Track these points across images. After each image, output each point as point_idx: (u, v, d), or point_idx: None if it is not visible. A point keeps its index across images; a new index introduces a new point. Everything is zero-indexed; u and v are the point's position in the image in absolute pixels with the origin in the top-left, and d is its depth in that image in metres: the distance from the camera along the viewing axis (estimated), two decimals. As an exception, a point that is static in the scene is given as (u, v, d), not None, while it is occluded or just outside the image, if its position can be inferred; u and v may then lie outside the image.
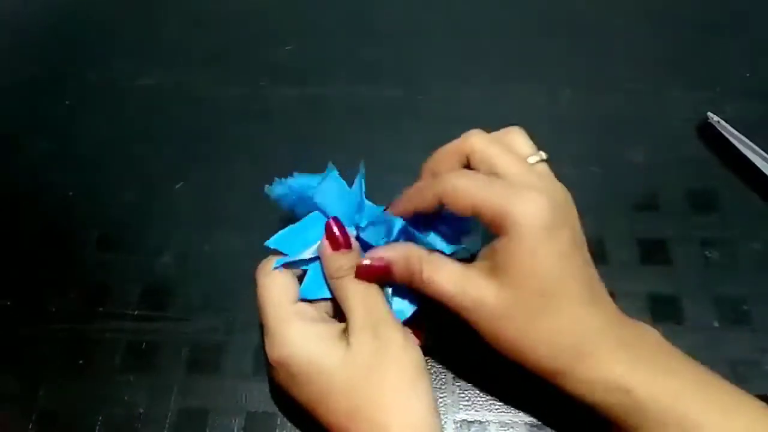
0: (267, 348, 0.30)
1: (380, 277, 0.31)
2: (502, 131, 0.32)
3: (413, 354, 0.30)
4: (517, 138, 0.32)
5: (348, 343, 0.29)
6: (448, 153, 0.32)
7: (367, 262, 0.31)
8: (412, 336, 0.32)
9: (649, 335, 0.30)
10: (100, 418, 0.35)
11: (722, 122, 0.43)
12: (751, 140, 0.42)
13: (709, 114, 0.43)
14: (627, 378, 0.27)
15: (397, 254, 0.31)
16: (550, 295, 0.28)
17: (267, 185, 0.34)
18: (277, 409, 0.35)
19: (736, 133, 0.42)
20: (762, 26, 0.50)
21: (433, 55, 0.50)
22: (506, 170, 0.29)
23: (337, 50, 0.51)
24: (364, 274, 0.31)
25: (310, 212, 0.34)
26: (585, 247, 0.30)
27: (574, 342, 0.28)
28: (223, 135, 0.47)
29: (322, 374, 0.29)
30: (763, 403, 0.27)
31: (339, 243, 0.31)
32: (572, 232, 0.29)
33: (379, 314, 0.30)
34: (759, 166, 0.41)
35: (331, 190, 0.33)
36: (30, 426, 0.35)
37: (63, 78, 0.51)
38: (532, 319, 0.28)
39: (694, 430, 0.26)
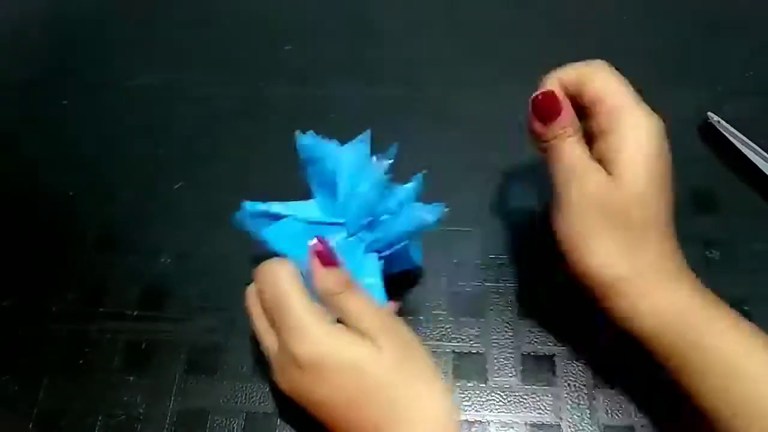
0: (293, 350, 0.29)
1: (547, 114, 0.32)
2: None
3: (429, 353, 0.30)
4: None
5: (376, 344, 0.29)
6: (574, 68, 0.34)
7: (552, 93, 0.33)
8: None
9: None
10: (100, 418, 0.35)
11: (723, 122, 0.43)
12: (751, 140, 0.42)
13: (710, 114, 0.43)
14: (687, 310, 0.29)
15: (568, 108, 0.32)
16: (647, 212, 0.29)
17: (299, 131, 0.35)
18: (277, 409, 0.35)
19: (736, 133, 0.42)
20: (762, 26, 0.50)
21: (433, 55, 0.50)
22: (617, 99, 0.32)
23: (337, 50, 0.51)
24: (543, 100, 0.33)
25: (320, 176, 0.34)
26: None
27: (649, 265, 0.29)
28: (223, 135, 0.46)
29: (355, 372, 0.28)
30: None
31: (329, 260, 0.30)
32: (670, 161, 0.31)
33: (389, 318, 0.31)
34: (759, 166, 0.41)
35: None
36: (30, 426, 0.35)
37: (61, 77, 0.51)
38: (624, 224, 0.29)
39: (737, 371, 0.27)
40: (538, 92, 0.33)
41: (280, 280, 0.30)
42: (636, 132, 0.30)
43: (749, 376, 0.27)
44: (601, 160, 0.30)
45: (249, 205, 0.34)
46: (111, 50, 0.52)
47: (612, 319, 0.30)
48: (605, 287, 0.30)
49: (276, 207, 0.34)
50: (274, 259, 0.31)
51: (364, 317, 0.30)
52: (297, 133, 0.34)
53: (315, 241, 0.31)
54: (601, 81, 0.32)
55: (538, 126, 0.32)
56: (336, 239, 0.32)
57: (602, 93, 0.31)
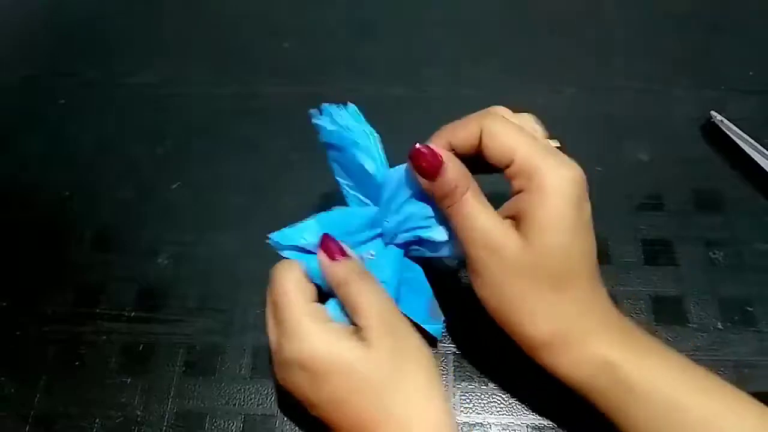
0: (285, 347, 0.29)
1: (427, 170, 0.29)
2: (515, 115, 0.32)
3: (429, 354, 0.30)
4: (528, 122, 0.32)
5: (367, 343, 0.29)
6: (466, 127, 0.31)
7: (428, 147, 0.30)
8: None
9: (636, 326, 0.30)
10: (97, 420, 0.35)
11: (726, 121, 0.43)
12: (755, 139, 0.41)
13: (713, 113, 0.43)
14: (617, 356, 0.28)
15: (455, 169, 0.29)
16: (568, 267, 0.28)
17: (315, 109, 0.34)
18: (276, 411, 0.35)
19: (740, 132, 0.42)
20: (765, 24, 0.50)
21: (434, 54, 0.50)
22: (525, 149, 0.29)
23: (336, 48, 0.51)
24: (417, 156, 0.30)
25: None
26: (593, 230, 0.30)
27: (568, 317, 0.28)
28: (221, 134, 0.46)
29: (344, 372, 0.28)
30: (736, 389, 0.28)
31: (335, 252, 0.31)
32: (589, 212, 0.29)
33: (392, 315, 0.30)
34: (763, 165, 0.41)
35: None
36: (26, 428, 0.35)
37: (58, 77, 0.50)
38: (545, 285, 0.28)
39: (678, 410, 0.27)
40: (413, 146, 0.30)
41: (283, 280, 0.31)
42: (550, 192, 0.27)
43: (690, 416, 0.27)
44: (515, 216, 0.29)
45: (278, 239, 0.33)
46: (109, 49, 0.52)
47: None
48: (534, 347, 0.29)
49: (308, 235, 0.32)
50: (284, 261, 0.32)
51: (369, 312, 0.29)
52: (312, 112, 0.34)
53: (321, 237, 0.31)
54: (504, 137, 0.29)
55: (425, 184, 0.30)
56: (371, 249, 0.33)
57: (508, 152, 0.28)
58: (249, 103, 0.48)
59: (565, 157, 0.29)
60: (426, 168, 0.29)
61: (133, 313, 0.38)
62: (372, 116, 0.46)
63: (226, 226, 0.42)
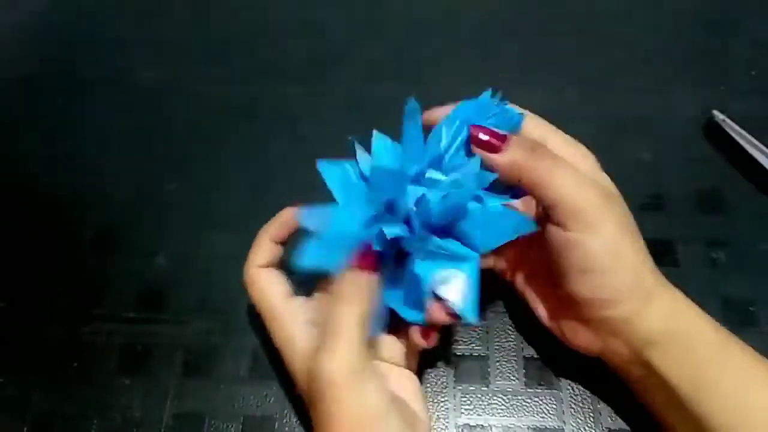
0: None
1: (489, 146, 0.31)
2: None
3: (381, 387, 0.28)
4: (555, 139, 0.34)
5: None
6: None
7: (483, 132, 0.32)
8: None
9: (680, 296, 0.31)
10: (95, 421, 0.35)
11: (728, 121, 0.42)
12: (757, 139, 0.41)
13: (715, 113, 0.43)
14: (659, 334, 0.29)
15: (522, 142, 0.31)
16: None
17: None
18: (275, 412, 0.35)
19: (742, 131, 0.42)
20: (767, 24, 0.49)
21: (436, 54, 0.50)
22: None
23: (337, 48, 0.50)
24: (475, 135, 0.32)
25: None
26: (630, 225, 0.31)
27: (626, 295, 0.29)
28: (221, 134, 0.46)
29: (303, 373, 0.29)
30: None
31: (367, 265, 0.29)
32: (621, 217, 0.31)
33: (344, 338, 0.28)
34: (765, 165, 0.40)
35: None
36: (25, 429, 0.35)
37: (57, 75, 0.50)
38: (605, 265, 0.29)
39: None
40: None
41: (254, 293, 0.33)
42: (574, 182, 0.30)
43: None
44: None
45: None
46: (109, 49, 0.52)
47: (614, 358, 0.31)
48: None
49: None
50: (244, 270, 0.33)
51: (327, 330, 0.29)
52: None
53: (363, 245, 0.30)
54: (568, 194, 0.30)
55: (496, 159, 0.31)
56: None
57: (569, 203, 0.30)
58: (249, 103, 0.48)
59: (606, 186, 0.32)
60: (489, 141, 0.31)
61: (131, 315, 0.38)
62: (372, 116, 0.46)
63: (226, 226, 0.42)
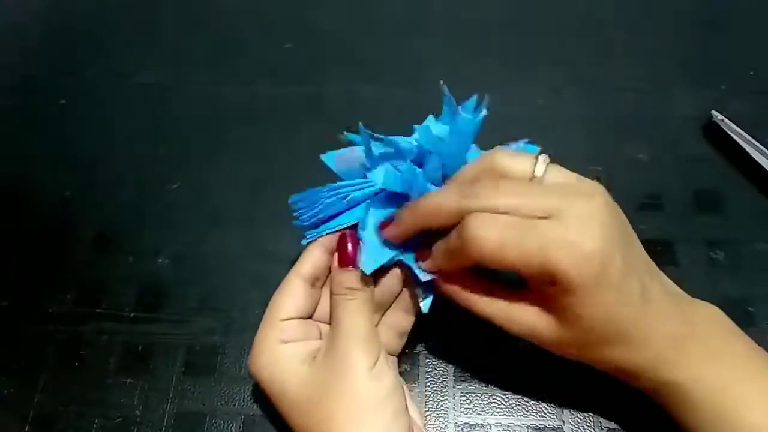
0: (251, 354, 0.31)
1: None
2: (483, 161, 0.30)
3: (375, 385, 0.29)
4: (504, 162, 0.29)
5: (311, 366, 0.30)
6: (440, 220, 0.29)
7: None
8: (393, 363, 0.32)
9: (704, 316, 0.29)
10: (96, 420, 0.35)
11: (727, 121, 0.42)
12: (756, 139, 0.41)
13: (714, 113, 0.43)
14: (685, 379, 0.27)
15: (450, 290, 0.31)
16: (607, 331, 0.27)
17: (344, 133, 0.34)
18: (275, 412, 0.35)
19: (740, 131, 0.42)
20: (766, 24, 0.50)
21: (434, 55, 0.50)
22: (524, 203, 0.27)
23: (336, 49, 0.51)
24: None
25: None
26: (634, 246, 0.29)
27: (639, 360, 0.28)
28: (221, 135, 0.46)
29: (280, 393, 0.30)
30: None
31: (348, 260, 0.31)
32: (620, 248, 0.27)
33: (354, 338, 0.29)
34: (764, 165, 0.41)
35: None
36: (26, 428, 0.35)
37: (60, 77, 0.50)
38: (598, 348, 0.28)
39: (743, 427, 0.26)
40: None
41: (280, 287, 0.32)
42: (570, 282, 0.26)
43: None
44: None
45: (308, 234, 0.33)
46: (110, 50, 0.52)
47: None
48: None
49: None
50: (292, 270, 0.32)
51: (333, 330, 0.30)
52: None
53: (343, 234, 0.31)
54: (503, 256, 0.26)
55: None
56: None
57: (517, 266, 0.27)
58: (249, 104, 0.48)
59: (573, 221, 0.26)
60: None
61: (133, 313, 0.38)
62: (372, 117, 0.46)
63: (227, 226, 0.42)
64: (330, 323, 0.31)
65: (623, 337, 0.28)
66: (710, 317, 0.29)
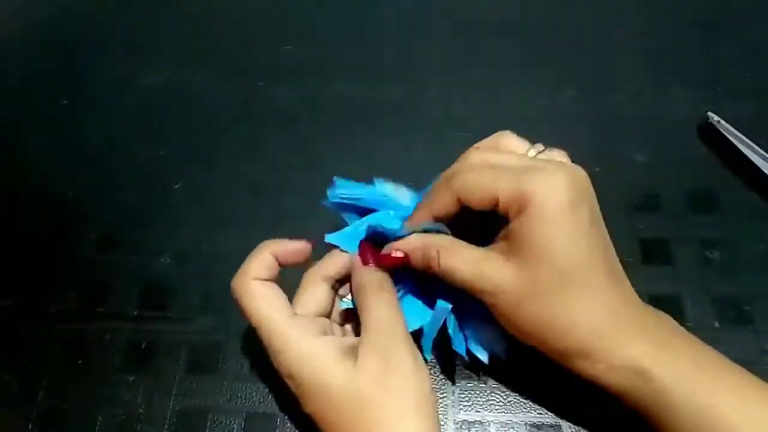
0: (275, 365, 0.30)
1: (399, 266, 0.32)
2: (491, 138, 0.33)
3: (420, 378, 0.29)
4: (508, 140, 0.32)
5: (355, 362, 0.28)
6: (440, 199, 0.31)
7: (386, 252, 0.32)
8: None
9: (666, 320, 0.29)
10: (100, 418, 0.35)
11: (722, 122, 0.43)
12: (751, 140, 0.42)
13: (710, 114, 0.43)
14: (645, 361, 0.27)
15: (415, 245, 0.31)
16: (570, 275, 0.27)
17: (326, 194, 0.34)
18: (277, 409, 0.35)
19: (736, 132, 0.42)
20: (762, 26, 0.50)
21: (434, 55, 0.50)
22: (511, 162, 0.29)
23: (336, 50, 0.51)
24: (383, 262, 0.32)
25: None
26: (603, 226, 0.29)
27: (593, 324, 0.27)
28: (223, 135, 0.46)
29: (324, 391, 0.28)
30: None
31: (367, 258, 0.32)
32: (591, 209, 0.28)
33: (391, 334, 0.29)
34: (759, 165, 0.41)
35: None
36: (30, 426, 0.35)
37: (62, 77, 0.51)
38: (553, 300, 0.27)
39: (715, 418, 0.26)
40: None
41: (242, 301, 0.30)
42: (536, 205, 0.27)
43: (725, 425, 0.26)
44: (508, 242, 0.28)
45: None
46: (111, 50, 0.52)
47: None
48: (564, 359, 0.29)
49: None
50: (236, 279, 0.31)
51: (370, 327, 0.30)
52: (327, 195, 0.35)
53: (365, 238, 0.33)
54: (481, 188, 0.29)
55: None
56: None
57: (490, 197, 0.28)
58: (251, 105, 0.48)
59: (551, 165, 0.28)
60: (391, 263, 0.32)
61: (136, 312, 0.39)
62: (372, 117, 0.47)
63: (229, 225, 0.42)
64: (361, 322, 0.31)
65: (580, 284, 0.27)
66: (671, 321, 0.29)
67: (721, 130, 0.43)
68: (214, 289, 0.39)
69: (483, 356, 0.33)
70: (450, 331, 0.33)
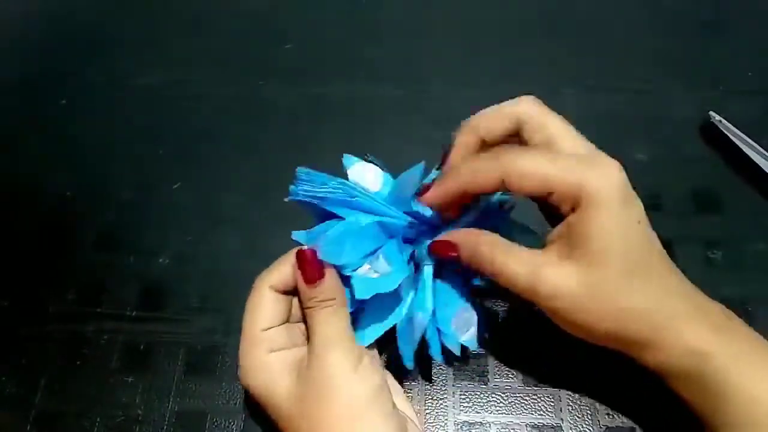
0: (240, 366, 0.31)
1: (448, 259, 0.31)
2: (545, 116, 0.32)
3: (362, 387, 0.29)
4: (560, 127, 0.31)
5: (298, 378, 0.29)
6: (499, 115, 0.31)
7: (439, 239, 0.31)
8: (376, 361, 0.31)
9: (721, 306, 0.29)
10: (98, 419, 0.35)
11: (724, 122, 0.43)
12: (753, 140, 0.42)
13: (712, 113, 0.43)
14: (706, 344, 0.27)
15: (466, 239, 0.30)
16: (635, 265, 0.27)
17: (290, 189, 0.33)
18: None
19: (738, 132, 0.42)
20: (764, 25, 0.50)
21: (434, 54, 0.50)
22: (569, 142, 0.29)
23: (336, 49, 0.51)
24: (433, 250, 0.31)
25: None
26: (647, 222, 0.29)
27: (659, 312, 0.27)
28: (222, 135, 0.46)
29: (270, 404, 0.29)
30: None
31: (313, 277, 0.30)
32: (640, 200, 0.29)
33: (331, 344, 0.29)
34: (761, 165, 0.41)
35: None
36: (28, 427, 0.35)
37: (61, 77, 0.51)
38: (618, 293, 0.27)
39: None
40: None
41: (249, 299, 0.31)
42: (595, 203, 0.27)
43: None
44: (569, 238, 0.28)
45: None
46: (111, 50, 0.52)
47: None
48: (628, 348, 0.29)
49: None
50: (261, 274, 0.32)
51: (313, 339, 0.29)
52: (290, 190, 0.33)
53: (300, 250, 0.30)
54: (533, 176, 0.28)
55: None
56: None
57: (543, 186, 0.28)
58: (250, 104, 0.48)
59: (600, 158, 0.28)
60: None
61: (134, 313, 0.39)
62: (372, 117, 0.47)
63: (228, 226, 0.42)
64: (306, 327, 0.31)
65: (643, 273, 0.27)
66: (718, 304, 0.29)
67: (723, 130, 0.42)
68: (212, 290, 0.39)
69: (455, 349, 0.33)
70: (427, 335, 0.32)
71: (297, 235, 0.33)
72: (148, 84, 0.49)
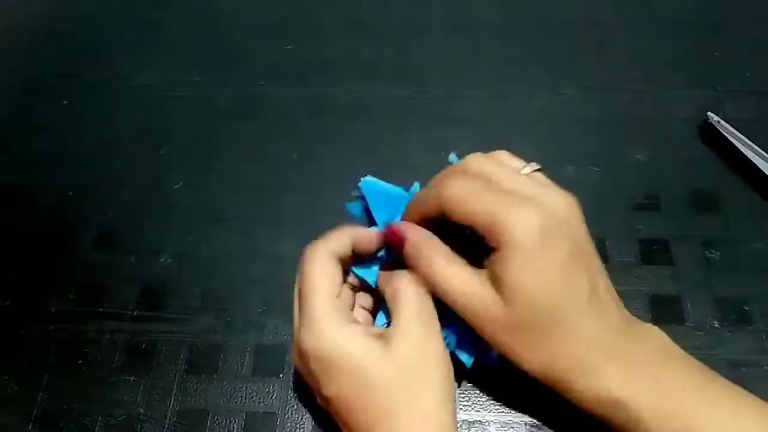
0: (305, 338, 0.29)
1: (395, 246, 0.31)
2: (489, 154, 0.32)
3: (449, 365, 0.30)
4: (504, 156, 0.32)
5: (389, 344, 0.29)
6: (428, 202, 0.31)
7: (396, 225, 0.32)
8: None
9: (651, 339, 0.29)
10: (100, 418, 0.35)
11: (723, 122, 0.43)
12: (751, 140, 0.42)
13: (710, 114, 0.43)
14: (621, 391, 0.27)
15: (416, 236, 0.31)
16: (546, 314, 0.28)
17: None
18: (277, 408, 0.35)
19: (736, 133, 0.42)
20: (762, 26, 0.50)
21: (434, 55, 0.50)
22: (501, 179, 0.29)
23: (337, 50, 0.51)
24: (389, 232, 0.32)
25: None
26: (591, 256, 0.29)
27: (570, 359, 0.28)
28: (223, 135, 0.46)
29: (359, 370, 0.28)
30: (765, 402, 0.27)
31: (399, 241, 0.31)
32: (571, 241, 0.28)
33: (428, 327, 0.30)
34: (759, 166, 0.41)
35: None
36: (29, 427, 0.35)
37: (61, 77, 0.51)
38: (531, 336, 0.28)
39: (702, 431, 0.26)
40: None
41: (311, 269, 0.30)
42: (511, 245, 0.27)
43: None
44: (492, 275, 0.28)
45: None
46: (111, 50, 0.52)
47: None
48: (549, 384, 0.29)
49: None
50: (314, 248, 0.31)
51: (404, 311, 0.30)
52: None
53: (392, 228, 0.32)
54: (461, 204, 0.29)
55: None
56: None
57: (470, 218, 0.28)
58: (250, 105, 0.48)
59: (527, 195, 0.28)
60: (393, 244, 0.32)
61: (135, 312, 0.39)
62: (372, 117, 0.47)
63: (228, 225, 0.42)
64: (394, 309, 0.31)
65: (558, 318, 0.28)
66: (657, 340, 0.29)
67: (722, 130, 0.43)
68: (213, 290, 0.39)
69: (465, 359, 0.33)
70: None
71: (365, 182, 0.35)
72: (150, 85, 0.49)
